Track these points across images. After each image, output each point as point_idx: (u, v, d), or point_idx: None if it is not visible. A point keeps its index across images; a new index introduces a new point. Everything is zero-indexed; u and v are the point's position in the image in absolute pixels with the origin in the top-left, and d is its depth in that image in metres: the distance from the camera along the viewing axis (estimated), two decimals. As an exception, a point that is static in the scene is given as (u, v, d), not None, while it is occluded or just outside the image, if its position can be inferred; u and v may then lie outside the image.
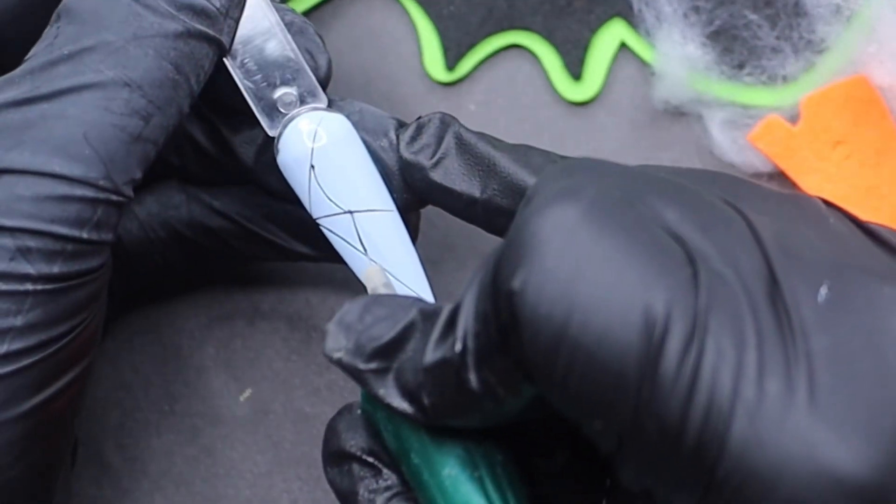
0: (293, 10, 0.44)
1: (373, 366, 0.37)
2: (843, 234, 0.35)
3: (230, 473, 0.49)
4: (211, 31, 0.41)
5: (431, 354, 0.35)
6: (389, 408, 0.37)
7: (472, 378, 0.34)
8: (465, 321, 0.35)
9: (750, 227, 0.34)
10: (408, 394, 0.36)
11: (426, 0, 0.50)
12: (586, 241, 0.32)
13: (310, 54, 0.43)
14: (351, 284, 0.49)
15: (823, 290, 0.33)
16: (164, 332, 0.50)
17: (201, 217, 0.46)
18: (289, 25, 0.43)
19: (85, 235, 0.39)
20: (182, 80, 0.40)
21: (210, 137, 0.45)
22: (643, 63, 0.50)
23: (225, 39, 0.41)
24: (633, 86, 0.50)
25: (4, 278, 0.38)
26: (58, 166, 0.38)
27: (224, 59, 0.42)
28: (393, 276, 0.43)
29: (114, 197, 0.39)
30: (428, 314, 0.36)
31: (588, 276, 0.32)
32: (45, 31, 0.40)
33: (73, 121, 0.38)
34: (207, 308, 0.50)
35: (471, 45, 0.50)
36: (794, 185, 0.49)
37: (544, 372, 0.33)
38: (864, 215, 0.48)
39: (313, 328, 0.50)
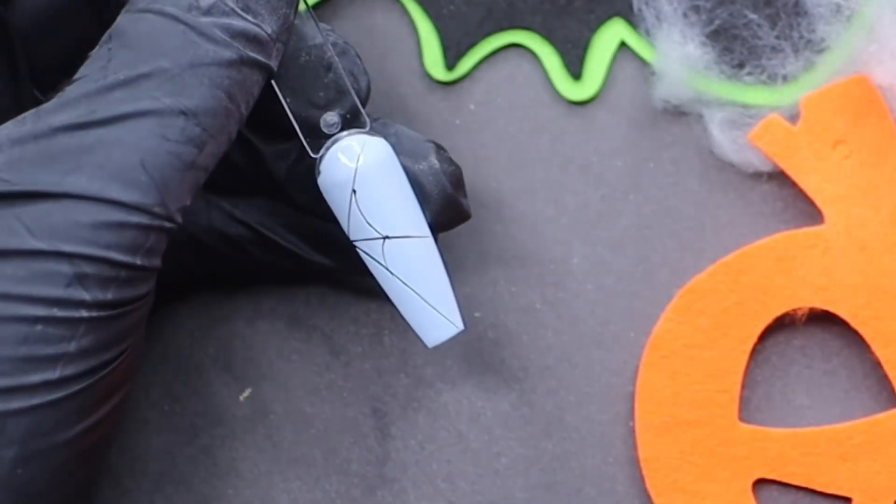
0: (335, 32, 0.44)
1: None
2: None
3: (230, 473, 0.49)
4: (262, 58, 0.40)
5: None
6: None
7: None
8: None
9: None
10: None
11: (426, 0, 0.50)
12: None
13: (353, 76, 0.43)
14: (351, 284, 0.49)
15: None
16: (164, 332, 0.50)
17: (221, 224, 0.46)
18: (331, 46, 0.43)
19: (138, 262, 0.38)
20: (234, 108, 0.40)
21: (243, 151, 0.45)
22: (643, 63, 0.50)
23: (274, 64, 0.41)
24: (633, 85, 0.50)
25: (61, 304, 0.38)
26: (115, 192, 0.38)
27: (272, 81, 0.42)
28: (424, 301, 0.43)
29: (166, 224, 0.39)
30: None
31: None
32: (95, 51, 0.40)
33: (130, 147, 0.38)
34: (207, 308, 0.50)
35: (470, 45, 0.50)
36: (794, 184, 0.49)
37: None
38: (863, 215, 0.48)
39: (313, 328, 0.50)
